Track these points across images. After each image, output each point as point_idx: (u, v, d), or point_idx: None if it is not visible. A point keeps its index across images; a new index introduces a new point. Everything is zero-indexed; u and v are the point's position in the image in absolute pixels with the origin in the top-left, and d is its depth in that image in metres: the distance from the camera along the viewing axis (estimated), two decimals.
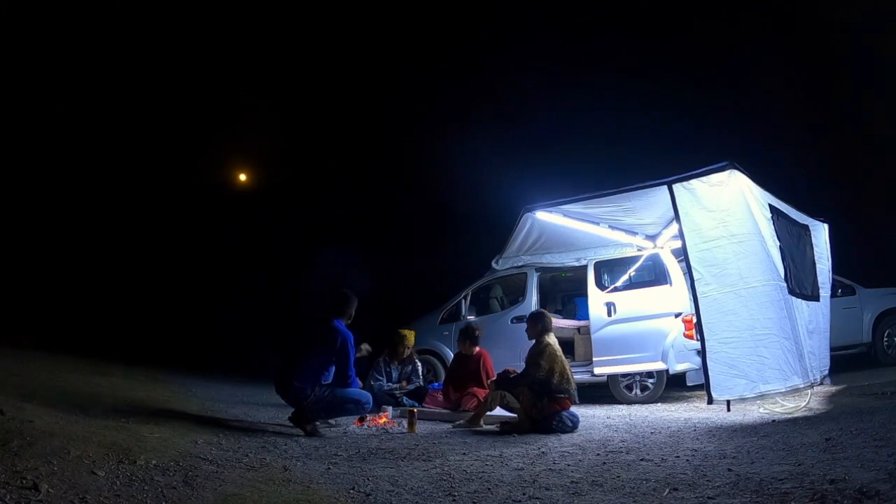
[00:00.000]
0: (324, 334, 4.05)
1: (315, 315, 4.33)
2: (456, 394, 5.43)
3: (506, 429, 4.16)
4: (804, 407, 4.41)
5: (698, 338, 4.30)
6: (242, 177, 16.46)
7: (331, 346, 3.99)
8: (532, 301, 6.69)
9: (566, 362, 4.34)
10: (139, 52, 13.13)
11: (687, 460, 2.70)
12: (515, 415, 4.23)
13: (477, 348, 5.67)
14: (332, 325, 4.07)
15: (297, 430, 3.93)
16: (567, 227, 6.05)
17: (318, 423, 4.02)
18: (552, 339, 4.38)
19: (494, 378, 4.77)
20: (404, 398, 5.54)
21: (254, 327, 12.40)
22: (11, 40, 10.34)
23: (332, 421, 4.25)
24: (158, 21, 13.25)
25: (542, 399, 4.07)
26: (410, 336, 5.98)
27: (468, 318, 7.00)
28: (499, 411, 4.42)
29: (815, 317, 5.46)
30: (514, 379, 4.37)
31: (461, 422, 4.52)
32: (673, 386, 6.78)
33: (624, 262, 6.37)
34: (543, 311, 4.84)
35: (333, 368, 4.07)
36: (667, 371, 5.88)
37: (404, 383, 5.76)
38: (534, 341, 4.43)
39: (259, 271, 13.80)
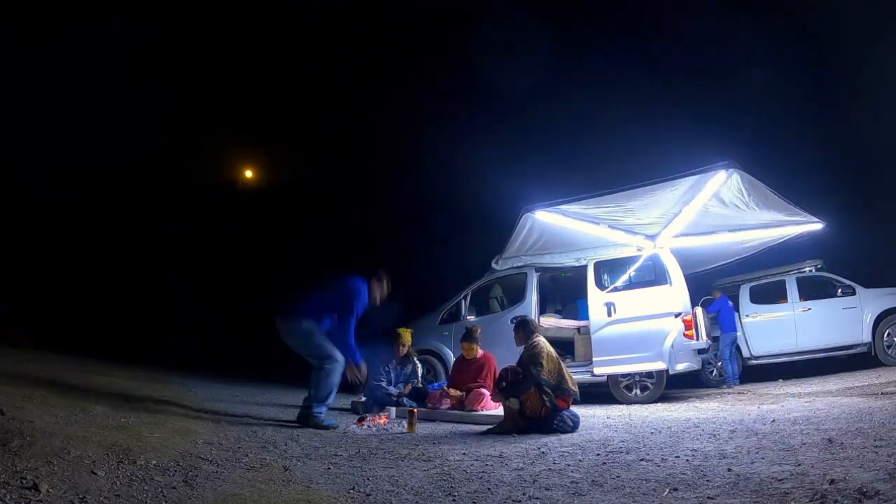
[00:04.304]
0: (338, 279, 4.18)
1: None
2: (460, 392, 5.38)
3: (496, 430, 4.11)
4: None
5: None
6: (248, 173, 16.49)
7: (339, 289, 4.11)
8: (532, 301, 6.69)
9: (562, 362, 4.34)
10: (140, 51, 13.13)
11: (687, 460, 2.70)
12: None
13: (481, 351, 5.64)
14: (350, 277, 4.18)
15: (296, 430, 3.93)
16: (567, 227, 6.05)
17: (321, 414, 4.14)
18: (542, 338, 4.39)
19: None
20: (404, 398, 5.54)
21: (253, 327, 12.39)
22: (14, 40, 10.35)
23: (332, 420, 4.25)
24: (159, 20, 13.25)
25: (550, 397, 4.05)
26: (407, 334, 5.98)
27: (468, 318, 6.99)
28: (500, 409, 4.42)
29: None
30: (521, 382, 4.21)
31: (494, 426, 4.25)
32: (673, 386, 6.78)
33: (624, 262, 6.37)
34: (524, 316, 4.86)
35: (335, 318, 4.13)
36: (667, 371, 5.88)
37: (408, 387, 5.74)
38: (523, 345, 4.44)
39: (259, 272, 13.80)
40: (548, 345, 4.32)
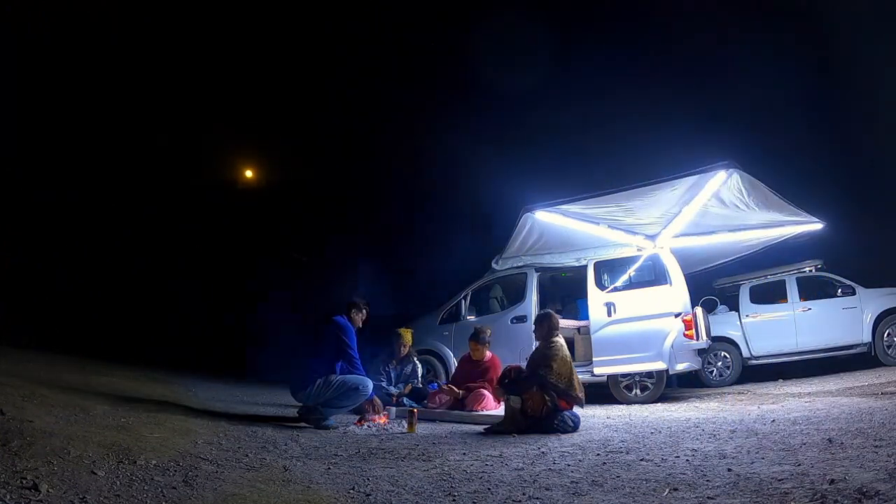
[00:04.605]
0: (326, 328, 4.43)
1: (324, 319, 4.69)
2: (461, 391, 5.37)
3: (496, 429, 4.11)
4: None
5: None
6: (248, 173, 16.49)
7: (331, 337, 4.35)
8: (532, 301, 6.69)
9: (574, 368, 4.29)
10: (140, 51, 13.13)
11: (687, 460, 2.70)
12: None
13: (489, 353, 5.61)
14: (332, 319, 4.45)
15: (296, 430, 3.93)
16: (567, 227, 6.05)
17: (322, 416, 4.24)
18: (562, 340, 4.32)
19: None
20: (404, 398, 5.54)
21: (253, 328, 12.40)
22: (14, 40, 10.35)
23: (332, 421, 4.27)
24: (159, 19, 13.25)
25: (552, 397, 4.04)
26: (407, 335, 5.98)
27: (468, 318, 6.99)
28: (500, 410, 4.42)
29: None
30: (525, 381, 4.21)
31: (493, 425, 4.23)
32: (673, 386, 6.78)
33: (624, 262, 6.37)
34: (550, 311, 4.75)
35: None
36: (667, 371, 5.88)
37: (408, 387, 5.75)
38: (541, 342, 4.40)
39: (259, 272, 13.80)
40: (565, 348, 4.27)
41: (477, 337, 5.56)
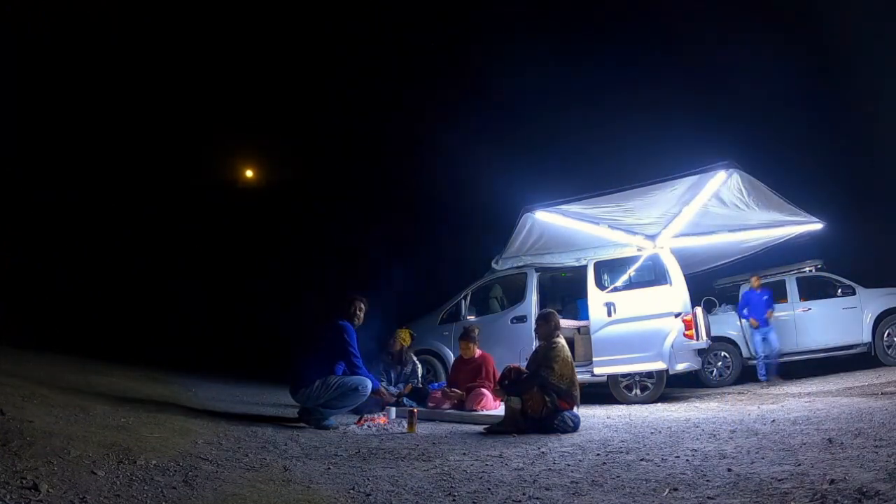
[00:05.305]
0: (325, 331, 4.41)
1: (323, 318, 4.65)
2: (460, 391, 5.38)
3: (496, 429, 4.10)
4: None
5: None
6: (249, 173, 16.49)
7: (332, 341, 4.33)
8: (532, 301, 6.69)
9: (574, 368, 4.29)
10: (140, 51, 13.13)
11: (687, 460, 2.70)
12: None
13: (479, 351, 5.64)
14: (333, 322, 4.41)
15: (296, 430, 3.93)
16: (567, 227, 6.05)
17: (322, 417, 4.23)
18: (563, 341, 4.32)
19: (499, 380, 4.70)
20: (404, 398, 5.54)
21: (252, 327, 12.40)
22: (14, 40, 10.35)
23: (332, 421, 4.27)
24: (160, 19, 13.25)
25: (552, 398, 4.03)
26: (406, 334, 5.98)
27: (468, 318, 7.00)
28: (500, 410, 4.41)
29: None
30: (525, 381, 4.20)
31: (493, 425, 4.22)
32: (673, 386, 6.78)
33: (624, 262, 6.38)
34: (552, 310, 4.74)
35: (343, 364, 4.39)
36: (667, 371, 5.88)
37: (408, 387, 5.75)
38: (543, 341, 4.39)
39: (259, 272, 13.80)
40: (567, 349, 4.27)
41: (466, 335, 5.64)
